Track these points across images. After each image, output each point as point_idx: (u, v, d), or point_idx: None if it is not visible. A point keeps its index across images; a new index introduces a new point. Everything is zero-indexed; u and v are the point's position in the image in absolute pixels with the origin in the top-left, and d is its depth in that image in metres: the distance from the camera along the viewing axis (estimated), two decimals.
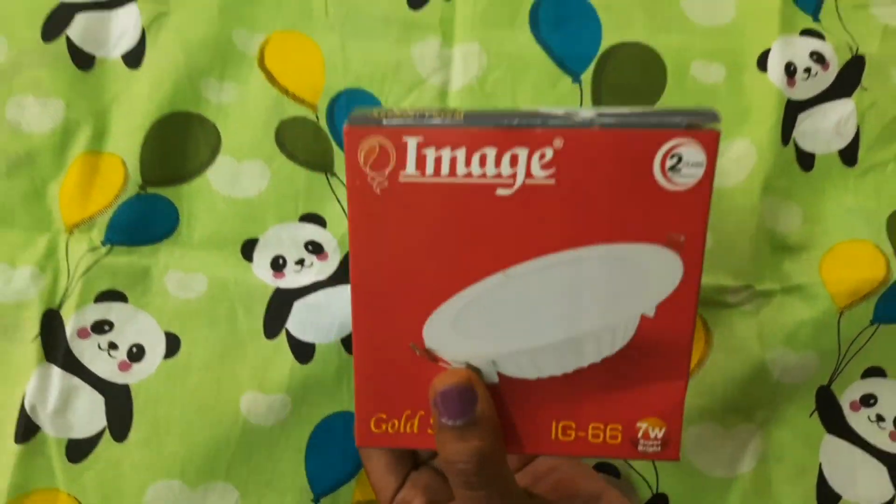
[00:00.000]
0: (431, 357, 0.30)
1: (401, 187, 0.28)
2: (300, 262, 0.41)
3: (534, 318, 0.29)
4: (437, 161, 0.28)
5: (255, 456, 0.39)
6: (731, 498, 0.41)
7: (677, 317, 0.29)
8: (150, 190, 0.41)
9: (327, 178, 0.42)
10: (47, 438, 0.38)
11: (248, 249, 0.41)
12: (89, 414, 0.38)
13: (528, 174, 0.28)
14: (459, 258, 0.29)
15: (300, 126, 0.43)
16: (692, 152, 0.27)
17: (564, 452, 0.31)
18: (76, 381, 0.38)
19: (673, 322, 0.29)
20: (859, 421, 0.41)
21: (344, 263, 0.41)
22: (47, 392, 0.38)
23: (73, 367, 0.38)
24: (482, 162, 0.28)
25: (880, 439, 0.41)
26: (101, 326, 0.39)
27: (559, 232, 0.28)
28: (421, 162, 0.28)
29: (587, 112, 0.28)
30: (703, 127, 0.27)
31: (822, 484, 0.40)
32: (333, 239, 0.41)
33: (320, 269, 0.41)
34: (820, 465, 0.41)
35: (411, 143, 0.28)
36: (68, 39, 0.42)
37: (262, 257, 0.41)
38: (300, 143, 0.42)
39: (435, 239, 0.29)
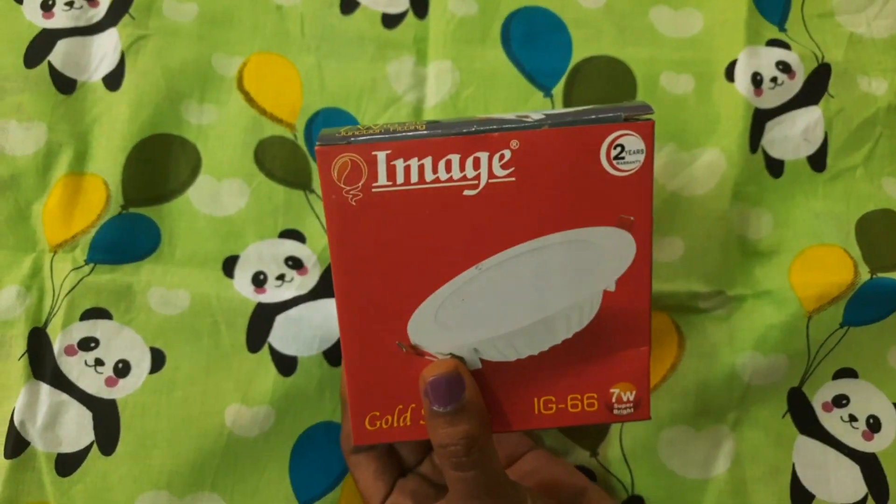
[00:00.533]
0: (418, 352, 0.33)
1: (374, 197, 0.31)
2: (280, 277, 0.43)
3: (508, 305, 0.32)
4: (407, 170, 0.31)
5: (241, 466, 0.40)
6: (707, 499, 0.42)
7: (635, 289, 0.33)
8: (132, 209, 0.43)
9: (306, 196, 0.44)
10: (37, 453, 0.39)
11: (229, 266, 0.43)
12: (77, 428, 0.40)
13: (491, 174, 0.31)
14: (435, 257, 0.32)
15: (278, 145, 0.45)
16: (633, 141, 0.31)
17: (547, 425, 0.34)
18: (64, 397, 0.40)
19: (632, 294, 0.33)
20: (832, 421, 0.43)
21: (324, 278, 0.43)
22: (36, 408, 0.40)
23: (61, 383, 0.40)
24: (448, 167, 0.31)
25: (853, 439, 0.43)
26: (87, 343, 0.41)
27: (523, 224, 0.32)
28: (391, 172, 0.31)
29: (537, 115, 0.32)
30: (639, 119, 0.31)
31: (796, 484, 0.42)
32: (313, 254, 0.43)
33: (301, 284, 0.43)
34: (793, 465, 0.42)
35: (381, 156, 0.31)
36: (50, 65, 0.44)
37: (243, 273, 0.43)
38: (279, 161, 0.44)
39: (410, 242, 0.32)
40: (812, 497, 0.42)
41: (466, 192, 0.31)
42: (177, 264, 0.43)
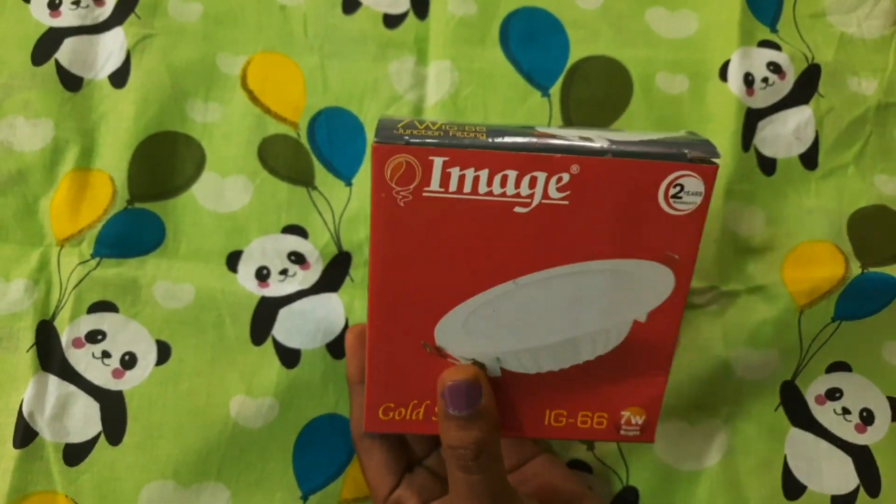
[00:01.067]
0: (441, 354, 0.34)
1: (424, 201, 0.31)
2: (283, 272, 0.44)
3: (537, 321, 0.33)
4: (461, 179, 0.31)
5: (245, 457, 0.42)
6: (700, 490, 0.43)
7: (665, 322, 0.34)
8: (138, 205, 0.44)
9: (308, 192, 0.46)
10: (45, 443, 0.41)
11: (233, 261, 0.44)
12: (85, 419, 0.41)
13: (545, 195, 0.31)
14: (473, 266, 0.33)
15: (282, 143, 0.46)
16: (693, 183, 0.31)
17: (555, 436, 0.36)
18: (72, 388, 0.41)
19: (661, 327, 0.34)
20: (825, 414, 0.44)
21: (326, 272, 0.44)
22: (44, 399, 0.41)
23: (69, 375, 0.41)
24: (503, 182, 0.31)
25: (846, 431, 0.44)
26: (94, 336, 0.42)
27: (568, 247, 0.32)
28: (445, 179, 0.31)
29: (601, 141, 0.32)
30: (705, 161, 0.31)
31: (788, 475, 0.43)
32: (315, 249, 0.45)
33: (303, 279, 0.44)
34: (785, 457, 0.44)
35: (437, 162, 0.31)
36: (57, 63, 0.45)
37: (246, 268, 0.44)
38: (282, 159, 0.46)
39: (452, 248, 0.32)
40: (804, 488, 0.43)
41: (517, 209, 0.31)
42: (181, 259, 0.44)
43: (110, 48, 0.46)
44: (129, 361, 0.42)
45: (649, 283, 0.33)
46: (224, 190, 0.45)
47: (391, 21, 0.48)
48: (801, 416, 0.44)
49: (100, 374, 0.42)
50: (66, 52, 0.45)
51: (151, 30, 0.46)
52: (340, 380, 0.43)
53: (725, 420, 0.44)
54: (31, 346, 0.42)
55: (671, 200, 0.31)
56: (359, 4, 0.48)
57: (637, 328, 0.34)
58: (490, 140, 0.31)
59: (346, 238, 0.45)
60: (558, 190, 0.31)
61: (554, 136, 0.32)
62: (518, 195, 0.31)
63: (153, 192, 0.45)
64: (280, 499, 0.42)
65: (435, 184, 0.31)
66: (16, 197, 0.44)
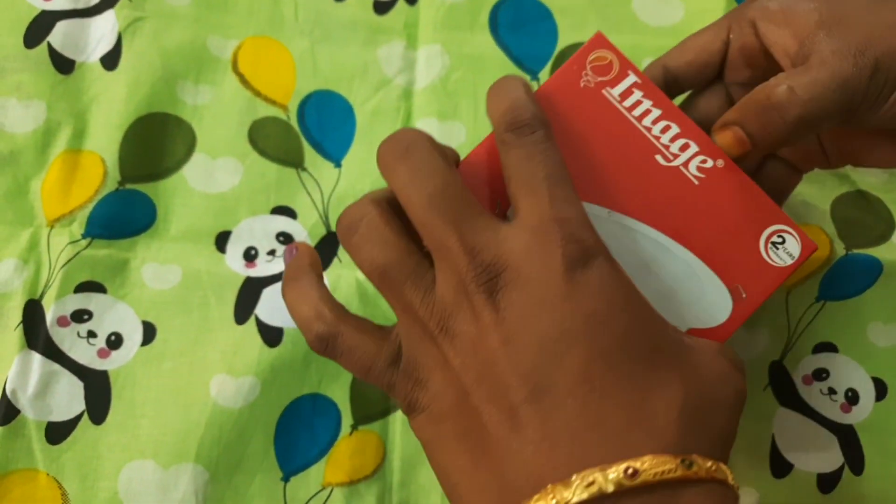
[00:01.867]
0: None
1: (598, 96, 0.31)
2: (272, 252, 0.41)
3: None
4: (637, 103, 0.31)
5: (225, 437, 0.38)
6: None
7: None
8: (129, 186, 0.41)
9: (298, 174, 0.43)
10: (27, 421, 0.37)
11: (221, 241, 0.41)
12: (69, 398, 0.38)
13: (686, 165, 0.31)
14: (590, 175, 0.31)
15: (272, 125, 0.43)
16: (793, 244, 0.31)
17: None
18: (56, 366, 0.38)
19: None
20: (811, 394, 0.41)
21: None
22: (28, 377, 0.37)
23: (53, 353, 0.38)
24: (664, 130, 0.31)
25: (832, 411, 0.41)
26: (80, 315, 0.39)
27: (672, 219, 0.31)
28: (626, 94, 0.31)
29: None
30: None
31: (775, 453, 0.40)
32: (303, 230, 0.41)
33: None
34: (773, 435, 0.40)
35: (631, 77, 0.31)
36: (49, 45, 0.42)
37: (234, 248, 0.41)
38: (272, 141, 0.43)
39: (586, 148, 0.31)
40: (791, 466, 0.40)
41: (657, 157, 0.31)
42: (171, 240, 0.41)
43: (102, 31, 0.42)
44: (114, 342, 0.39)
45: (709, 302, 0.31)
46: (214, 171, 0.42)
47: (381, 7, 0.45)
48: (788, 396, 0.41)
49: (85, 354, 0.38)
50: (58, 35, 0.42)
51: (143, 13, 0.43)
52: (323, 359, 0.39)
53: None
54: (19, 325, 0.38)
55: (769, 245, 0.31)
56: None
57: None
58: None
59: (335, 219, 0.42)
60: (698, 168, 0.31)
61: None
62: (667, 148, 0.31)
63: (144, 173, 0.41)
64: (260, 481, 0.38)
65: (617, 91, 0.31)
66: (7, 178, 0.40)
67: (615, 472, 0.23)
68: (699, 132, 0.31)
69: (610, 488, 0.23)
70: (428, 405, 0.27)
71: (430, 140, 0.28)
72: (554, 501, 0.23)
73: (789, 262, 0.30)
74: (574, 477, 0.23)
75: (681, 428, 0.25)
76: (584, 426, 0.24)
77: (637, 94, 0.31)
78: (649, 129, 0.31)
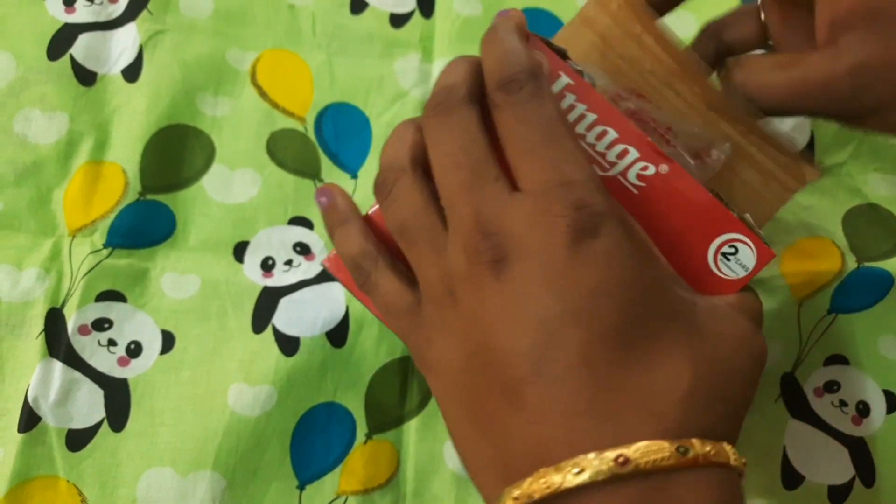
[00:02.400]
0: None
1: None
2: (288, 262, 0.40)
3: None
4: (570, 108, 0.27)
5: (242, 445, 0.37)
6: None
7: None
8: (149, 196, 0.40)
9: (315, 185, 0.42)
10: (48, 428, 0.36)
11: (239, 251, 0.40)
12: (89, 406, 0.37)
13: (624, 174, 0.27)
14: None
15: (289, 137, 0.42)
16: (749, 254, 0.27)
17: None
18: (77, 374, 0.37)
19: None
20: (823, 406, 0.40)
21: None
22: (49, 385, 0.37)
23: (74, 361, 0.37)
24: (600, 136, 0.27)
25: (843, 423, 0.39)
26: (101, 324, 0.38)
27: None
28: (557, 98, 0.27)
29: (689, 164, 0.28)
30: (766, 243, 0.27)
31: (787, 465, 0.39)
32: (320, 240, 0.40)
33: (307, 269, 0.40)
34: (784, 447, 0.39)
35: (561, 80, 0.27)
36: (72, 58, 0.41)
37: (252, 258, 0.40)
38: (289, 152, 0.42)
39: None
40: (802, 479, 0.39)
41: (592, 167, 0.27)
42: (190, 250, 0.40)
43: (123, 44, 0.42)
44: (134, 350, 0.38)
45: None
46: (233, 182, 0.41)
47: (397, 20, 0.44)
48: (800, 408, 0.39)
49: (105, 362, 0.37)
50: (80, 48, 0.41)
51: (163, 26, 0.42)
52: (339, 368, 0.38)
53: None
54: (41, 333, 0.37)
55: (719, 256, 0.27)
56: (366, 5, 0.44)
57: None
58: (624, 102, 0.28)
59: None
60: (638, 177, 0.27)
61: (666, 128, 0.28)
62: (603, 156, 0.27)
63: (164, 183, 0.41)
64: (276, 489, 0.37)
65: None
66: (30, 188, 0.39)
67: (606, 460, 0.22)
68: (640, 136, 0.27)
69: (601, 476, 0.21)
70: (434, 365, 0.27)
71: (469, 92, 0.26)
72: (545, 486, 0.22)
73: (742, 274, 0.27)
74: (565, 462, 0.22)
75: (683, 410, 0.23)
76: (579, 410, 0.23)
77: (569, 98, 0.27)
78: (583, 137, 0.27)
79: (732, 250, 0.27)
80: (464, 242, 0.25)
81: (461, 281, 0.25)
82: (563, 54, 0.28)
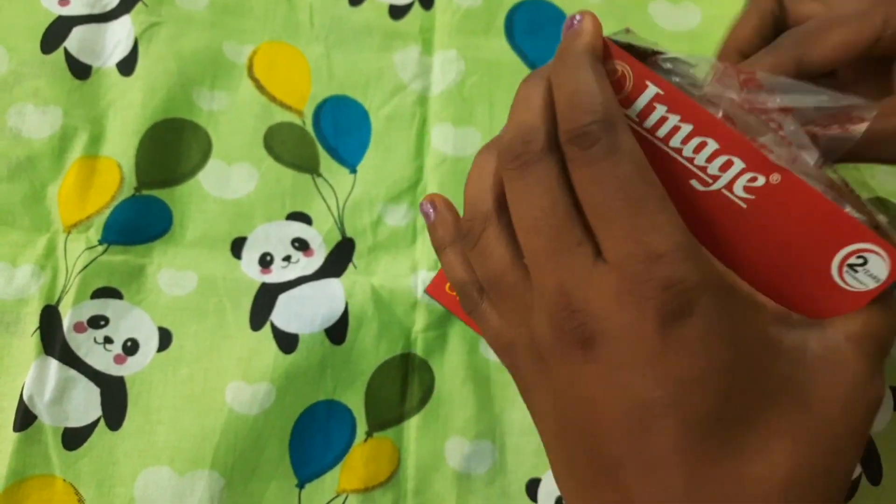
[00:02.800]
0: None
1: None
2: (287, 258, 0.39)
3: None
4: (661, 120, 0.24)
5: (240, 444, 0.36)
6: None
7: None
8: (145, 192, 0.39)
9: (313, 179, 0.40)
10: (44, 427, 0.35)
11: (237, 247, 0.39)
12: (85, 404, 0.36)
13: (729, 187, 0.24)
14: None
15: (287, 131, 0.41)
16: (881, 264, 0.23)
17: None
18: (73, 372, 0.36)
19: None
20: None
21: (328, 259, 0.39)
22: (45, 383, 0.35)
23: (70, 359, 0.36)
24: (698, 148, 0.24)
25: None
26: (96, 321, 0.37)
27: (720, 253, 0.24)
28: (647, 112, 0.24)
29: (813, 155, 0.24)
30: None
31: None
32: (318, 235, 0.39)
33: (306, 265, 0.39)
34: None
35: (649, 91, 0.24)
36: (66, 51, 0.40)
37: (250, 254, 0.39)
38: (287, 146, 0.40)
39: None
40: None
41: (693, 182, 0.24)
42: (187, 246, 0.39)
43: (118, 36, 0.40)
44: (131, 348, 0.37)
45: None
46: (230, 177, 0.40)
47: (396, 12, 0.43)
48: None
49: (101, 360, 0.36)
50: (74, 41, 0.40)
51: (158, 18, 0.41)
52: (339, 365, 0.37)
53: None
54: (36, 330, 0.36)
55: (845, 268, 0.24)
56: None
57: None
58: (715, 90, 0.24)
59: (350, 224, 0.40)
60: (745, 189, 0.24)
61: (775, 123, 0.25)
62: (704, 169, 0.24)
63: (160, 178, 0.39)
64: (276, 487, 0.36)
65: (635, 109, 0.24)
66: (24, 183, 0.38)
67: None
68: (745, 144, 0.23)
69: None
70: (534, 410, 0.26)
71: (548, 140, 0.24)
72: None
73: (872, 285, 0.23)
74: None
75: (782, 498, 0.21)
76: (675, 496, 0.21)
77: (660, 110, 0.24)
78: (679, 151, 0.24)
79: (860, 261, 0.24)
80: (549, 312, 0.23)
81: (550, 349, 0.24)
82: (648, 53, 0.25)
